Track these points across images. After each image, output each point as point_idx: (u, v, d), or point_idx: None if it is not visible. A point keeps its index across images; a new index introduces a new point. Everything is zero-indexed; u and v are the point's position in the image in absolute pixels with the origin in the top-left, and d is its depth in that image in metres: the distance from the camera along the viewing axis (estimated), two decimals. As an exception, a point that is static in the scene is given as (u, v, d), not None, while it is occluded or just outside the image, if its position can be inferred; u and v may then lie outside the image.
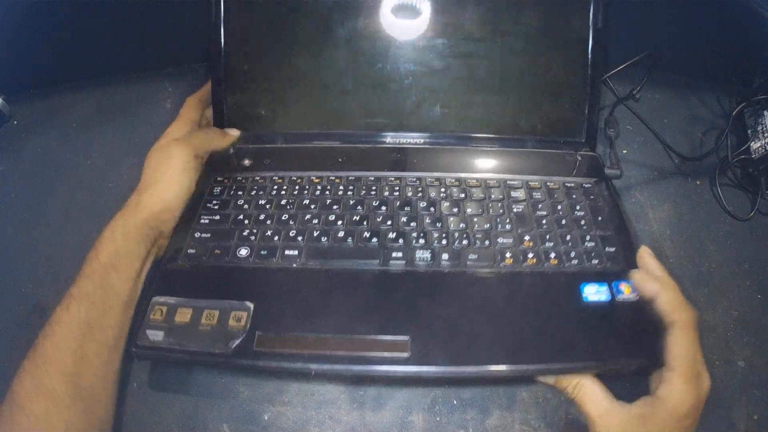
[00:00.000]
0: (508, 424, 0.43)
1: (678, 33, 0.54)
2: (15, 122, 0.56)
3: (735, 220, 0.53)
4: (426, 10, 0.49)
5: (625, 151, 0.58)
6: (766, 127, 0.52)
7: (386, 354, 0.35)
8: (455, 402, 0.44)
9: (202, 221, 0.44)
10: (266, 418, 0.44)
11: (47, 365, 0.34)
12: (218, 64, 0.49)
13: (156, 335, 0.36)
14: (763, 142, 0.52)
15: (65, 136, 0.56)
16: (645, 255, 0.40)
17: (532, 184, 0.47)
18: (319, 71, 0.50)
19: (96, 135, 0.56)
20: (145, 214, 0.41)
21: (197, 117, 0.49)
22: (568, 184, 0.47)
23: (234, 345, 0.35)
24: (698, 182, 0.56)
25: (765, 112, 0.52)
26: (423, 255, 0.41)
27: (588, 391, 0.34)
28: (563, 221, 0.43)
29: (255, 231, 0.43)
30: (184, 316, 0.37)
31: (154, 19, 0.53)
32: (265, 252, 0.42)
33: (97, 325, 0.36)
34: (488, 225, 0.43)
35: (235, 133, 0.50)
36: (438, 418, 0.44)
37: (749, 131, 0.54)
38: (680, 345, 0.33)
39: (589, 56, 0.49)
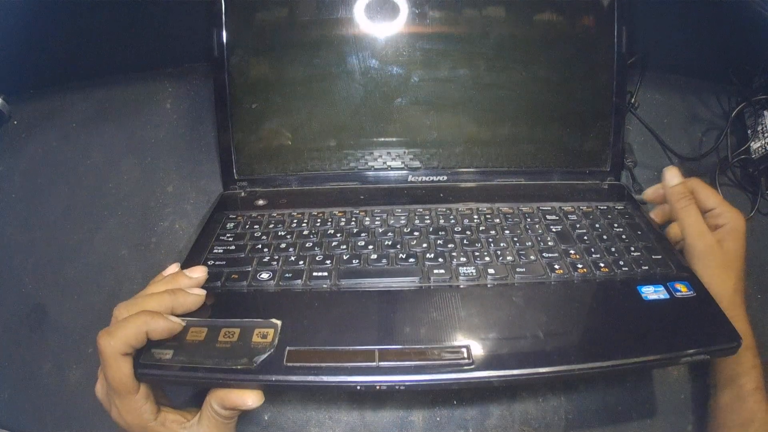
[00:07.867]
0: (508, 424, 0.43)
1: (678, 33, 0.54)
2: (15, 122, 0.56)
3: (735, 220, 0.53)
4: (446, 43, 0.48)
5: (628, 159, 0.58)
6: (766, 127, 0.52)
7: (446, 361, 0.31)
8: (455, 402, 0.44)
9: (216, 251, 0.41)
10: (266, 418, 0.44)
11: None
12: (224, 107, 0.48)
13: (163, 354, 0.31)
14: (763, 142, 0.52)
15: (65, 136, 0.56)
16: (671, 169, 0.44)
17: (565, 208, 0.47)
18: (336, 109, 0.49)
19: (96, 135, 0.56)
20: None
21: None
22: (601, 207, 0.47)
23: (260, 360, 0.31)
24: (698, 182, 0.56)
25: (765, 112, 0.52)
26: (467, 270, 0.39)
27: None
28: (604, 236, 0.43)
29: (276, 257, 0.40)
30: (197, 334, 0.33)
31: (154, 19, 0.53)
32: (290, 275, 0.38)
33: None
34: (530, 243, 0.42)
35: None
36: (438, 418, 0.44)
37: (749, 131, 0.54)
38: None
39: (614, 87, 0.49)
